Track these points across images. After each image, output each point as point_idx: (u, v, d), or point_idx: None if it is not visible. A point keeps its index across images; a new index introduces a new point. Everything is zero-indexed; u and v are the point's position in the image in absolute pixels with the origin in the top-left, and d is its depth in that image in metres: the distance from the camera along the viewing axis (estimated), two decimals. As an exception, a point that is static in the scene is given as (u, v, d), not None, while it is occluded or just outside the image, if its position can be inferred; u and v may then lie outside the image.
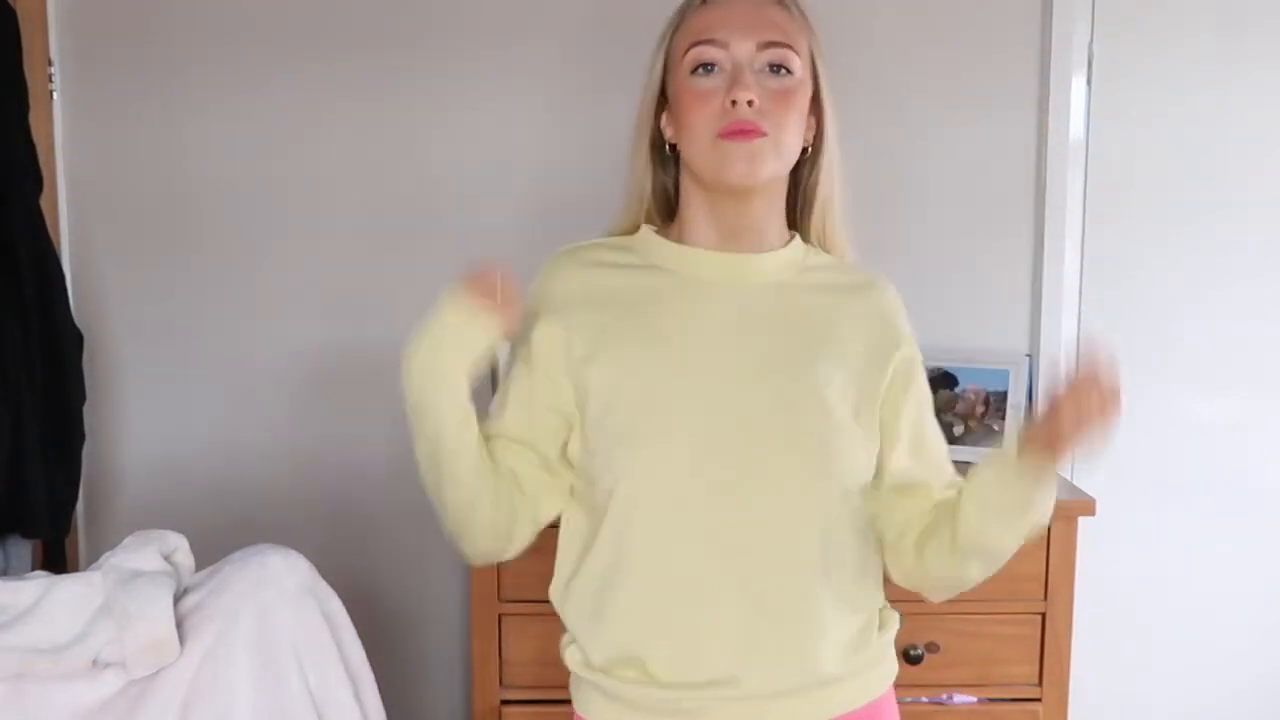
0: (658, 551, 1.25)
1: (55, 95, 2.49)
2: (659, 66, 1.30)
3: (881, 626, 1.36)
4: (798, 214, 1.37)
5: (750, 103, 1.22)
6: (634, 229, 1.36)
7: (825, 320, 1.31)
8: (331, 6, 2.49)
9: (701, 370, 1.26)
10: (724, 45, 1.25)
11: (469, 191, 2.53)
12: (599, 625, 1.29)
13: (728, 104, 1.23)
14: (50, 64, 2.48)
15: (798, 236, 1.36)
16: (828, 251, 1.38)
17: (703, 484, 1.24)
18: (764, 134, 1.23)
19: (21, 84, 2.24)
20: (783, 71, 1.26)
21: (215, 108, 2.51)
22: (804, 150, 1.32)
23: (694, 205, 1.32)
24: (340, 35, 2.50)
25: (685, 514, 1.25)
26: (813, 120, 1.33)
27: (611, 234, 1.39)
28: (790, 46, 1.26)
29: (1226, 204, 2.56)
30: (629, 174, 1.35)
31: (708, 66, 1.25)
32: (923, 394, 1.38)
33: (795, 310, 1.31)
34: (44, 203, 2.28)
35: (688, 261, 1.31)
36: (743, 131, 1.22)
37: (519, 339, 1.32)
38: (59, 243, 2.47)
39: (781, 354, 1.28)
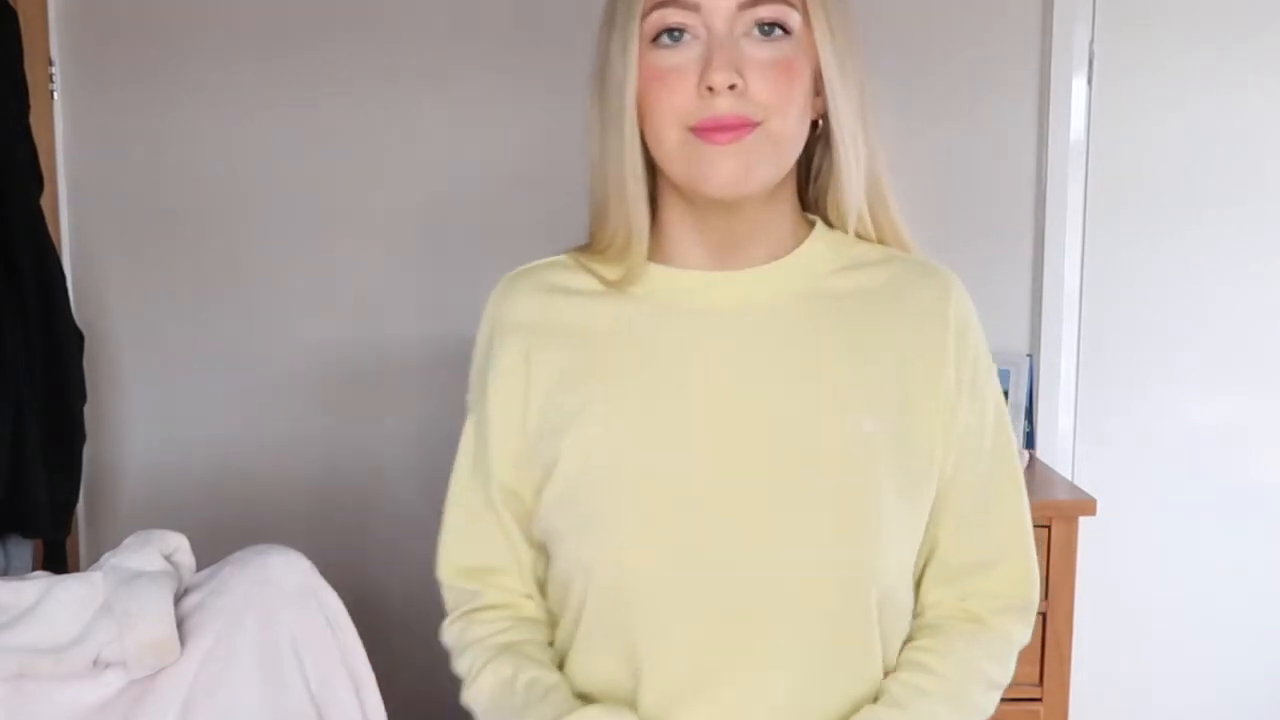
0: (662, 652, 0.98)
1: (55, 95, 2.49)
2: (634, 31, 0.97)
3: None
4: (815, 200, 1.07)
5: (732, 86, 0.92)
6: (604, 249, 1.05)
7: (867, 343, 1.00)
8: (332, 7, 2.49)
9: (693, 433, 0.97)
10: (693, 6, 0.94)
11: (472, 190, 2.53)
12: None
13: (703, 89, 0.93)
14: (50, 64, 2.48)
15: (819, 225, 1.04)
16: (876, 240, 1.07)
17: (694, 584, 0.96)
18: (754, 125, 0.94)
19: (22, 84, 2.24)
20: (776, 32, 0.95)
21: (215, 108, 2.51)
22: (814, 124, 1.01)
23: (673, 214, 1.02)
24: (341, 35, 2.50)
25: (677, 620, 0.97)
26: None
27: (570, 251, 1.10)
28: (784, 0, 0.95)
29: (1227, 203, 2.56)
30: (602, 176, 1.02)
31: (674, 33, 0.94)
32: (984, 440, 1.04)
33: (821, 337, 0.99)
34: (44, 203, 2.27)
35: (670, 286, 1.01)
36: (723, 128, 0.93)
37: (476, 392, 1.09)
38: (59, 243, 2.47)
39: (802, 402, 0.97)
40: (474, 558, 1.10)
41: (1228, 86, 2.53)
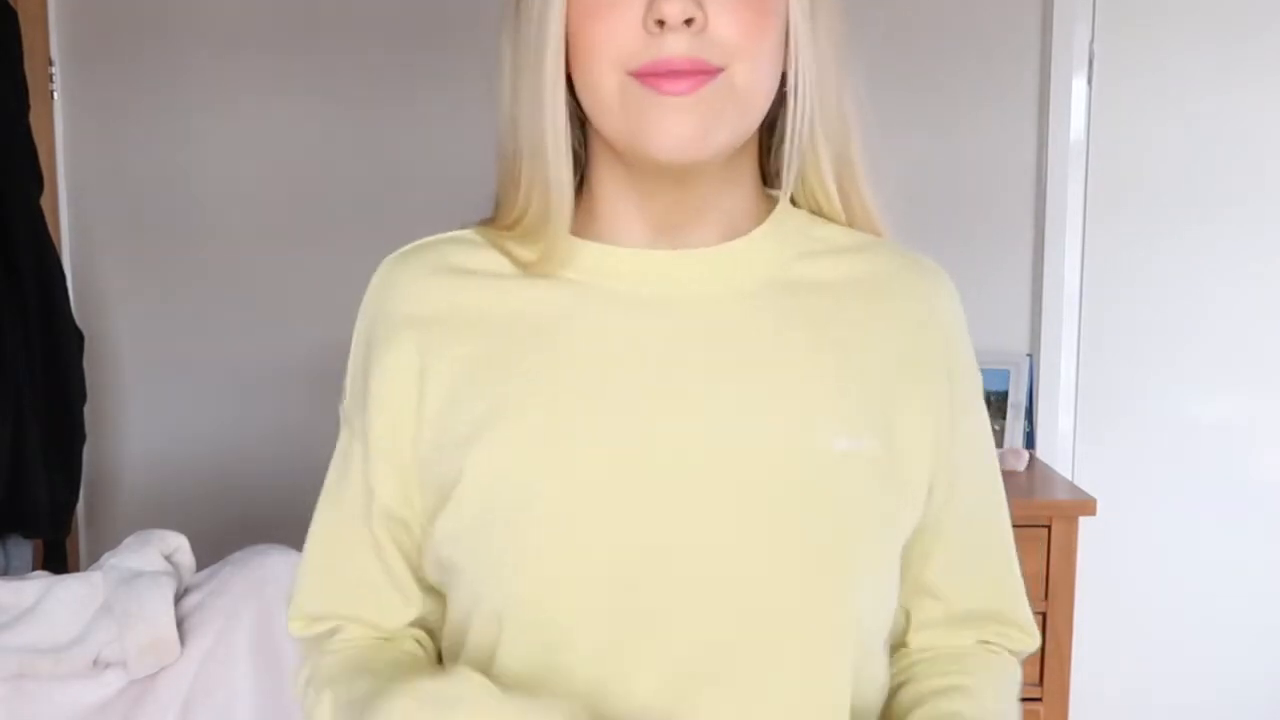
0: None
1: (55, 95, 2.49)
2: None
3: None
4: (777, 173, 0.87)
5: (690, 20, 0.74)
6: (514, 222, 0.85)
7: (842, 344, 0.82)
8: (332, 7, 2.49)
9: (631, 449, 0.78)
10: None
11: (474, 190, 2.52)
12: None
13: (650, 23, 0.74)
14: (50, 64, 2.48)
15: (783, 202, 0.86)
16: (845, 224, 0.88)
17: (637, 638, 0.77)
18: (714, 73, 0.75)
19: (22, 84, 2.24)
20: None
21: (215, 108, 2.51)
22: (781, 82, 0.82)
23: (606, 181, 0.84)
24: (341, 35, 2.50)
25: (616, 666, 0.78)
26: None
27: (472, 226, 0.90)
28: None
29: (1227, 203, 2.56)
30: (512, 128, 0.84)
31: None
32: (979, 466, 0.88)
33: (787, 334, 0.82)
34: (44, 203, 2.27)
35: (601, 267, 0.83)
36: (676, 74, 0.75)
37: (354, 399, 0.88)
38: (59, 243, 2.47)
39: (763, 414, 0.79)
40: (340, 604, 0.87)
41: (1228, 86, 2.53)
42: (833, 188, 0.85)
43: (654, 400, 0.79)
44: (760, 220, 0.85)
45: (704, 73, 0.75)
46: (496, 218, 0.87)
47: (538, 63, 0.78)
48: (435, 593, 0.87)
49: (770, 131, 0.85)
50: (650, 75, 0.75)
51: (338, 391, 0.91)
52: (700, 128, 0.75)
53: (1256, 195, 2.56)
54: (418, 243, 0.91)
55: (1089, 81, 2.52)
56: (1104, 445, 2.61)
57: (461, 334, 0.82)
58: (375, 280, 0.91)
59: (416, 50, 2.50)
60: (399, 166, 2.53)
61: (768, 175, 0.88)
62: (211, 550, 1.90)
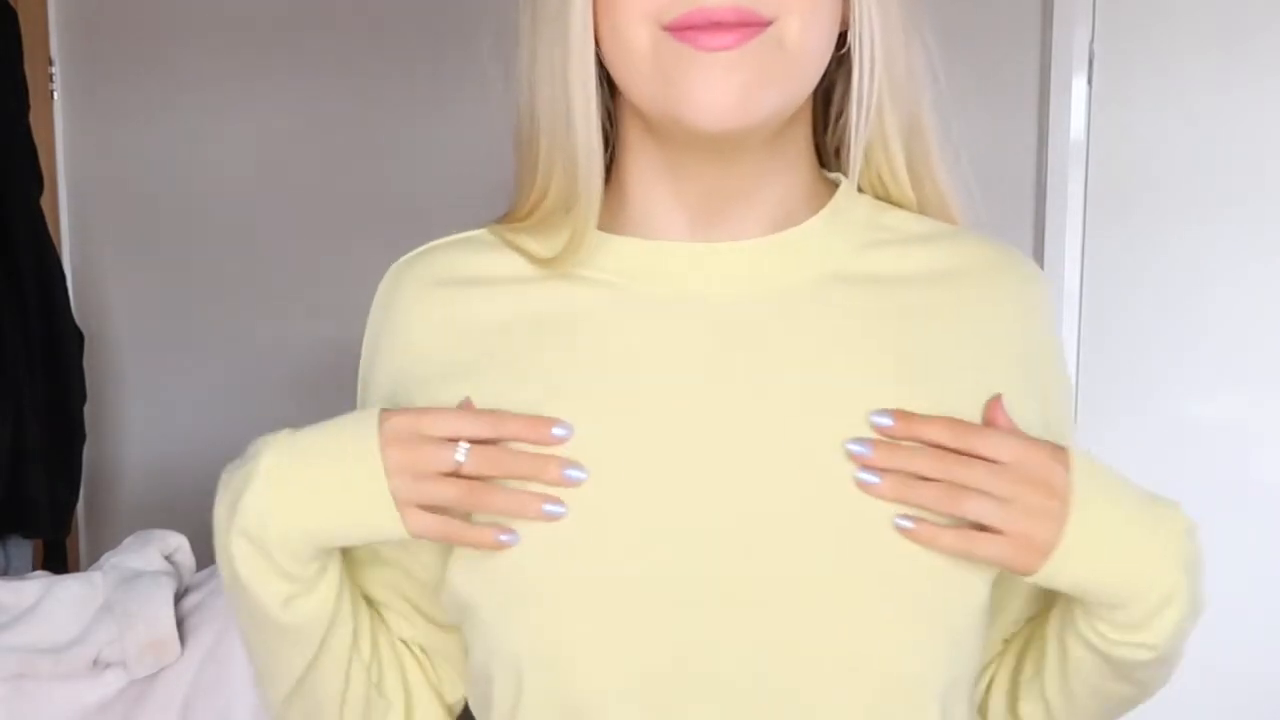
0: None
1: (55, 95, 2.49)
2: None
3: None
4: (836, 150, 0.77)
5: None
6: (530, 210, 0.75)
7: (917, 350, 0.71)
8: (332, 7, 2.49)
9: (669, 471, 0.68)
10: None
11: (474, 190, 2.53)
12: None
13: None
14: (50, 64, 2.48)
15: (843, 184, 0.75)
16: (915, 210, 0.78)
17: (676, 694, 0.67)
18: (761, 26, 0.65)
19: (22, 84, 2.24)
20: None
21: (215, 107, 2.51)
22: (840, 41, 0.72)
23: (637, 161, 0.73)
24: (341, 34, 2.50)
25: None
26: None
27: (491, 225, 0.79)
28: None
29: (1228, 203, 2.56)
30: (530, 100, 0.74)
31: None
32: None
33: (853, 340, 0.71)
34: (44, 203, 2.28)
35: (633, 263, 0.72)
36: (717, 26, 0.64)
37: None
38: (59, 243, 2.47)
39: (826, 435, 0.68)
40: None
41: (1228, 86, 2.53)
42: (901, 164, 0.74)
43: (689, 417, 0.68)
44: (817, 207, 0.73)
45: (750, 24, 0.64)
46: (512, 210, 0.77)
47: (562, 20, 0.67)
48: (440, 627, 0.81)
49: (825, 103, 0.75)
50: (687, 28, 0.64)
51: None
52: (744, 89, 0.64)
53: (1257, 195, 2.56)
54: (425, 247, 0.82)
55: (1089, 81, 2.52)
56: (1104, 445, 2.60)
57: (473, 359, 0.73)
58: (381, 291, 0.83)
59: (419, 48, 2.50)
60: (401, 166, 2.53)
61: (824, 155, 0.78)
62: (211, 550, 1.90)
